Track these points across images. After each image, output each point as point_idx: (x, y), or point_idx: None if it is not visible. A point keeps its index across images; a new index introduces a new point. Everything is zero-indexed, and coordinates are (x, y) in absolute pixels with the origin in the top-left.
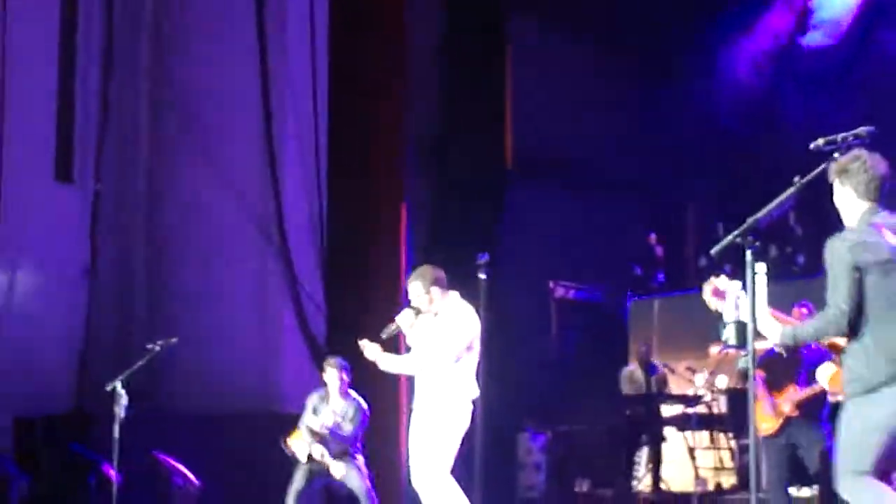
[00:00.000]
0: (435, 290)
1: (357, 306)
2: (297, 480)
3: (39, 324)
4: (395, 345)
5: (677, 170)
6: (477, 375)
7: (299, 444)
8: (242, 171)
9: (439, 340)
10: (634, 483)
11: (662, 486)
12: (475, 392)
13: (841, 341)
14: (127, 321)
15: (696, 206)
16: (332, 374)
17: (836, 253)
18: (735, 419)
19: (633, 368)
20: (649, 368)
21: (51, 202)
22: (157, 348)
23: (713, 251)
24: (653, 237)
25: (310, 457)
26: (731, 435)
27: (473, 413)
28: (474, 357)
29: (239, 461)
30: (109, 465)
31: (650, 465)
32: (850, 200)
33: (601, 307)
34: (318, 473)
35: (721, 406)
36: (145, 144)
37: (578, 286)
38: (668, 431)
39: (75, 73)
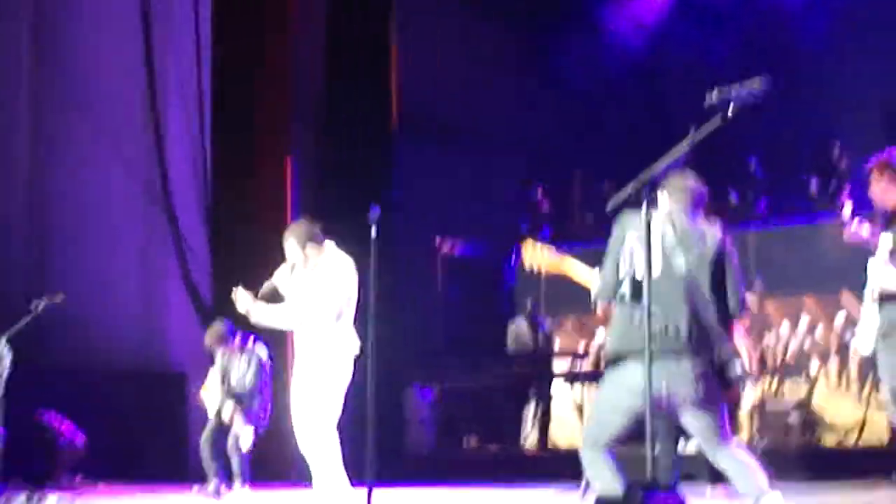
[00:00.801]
0: (310, 245)
1: (243, 262)
2: (209, 426)
3: None
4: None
5: (564, 125)
6: (364, 332)
7: (209, 397)
8: (125, 126)
9: (318, 295)
10: (522, 439)
11: (549, 442)
12: (356, 344)
13: None
14: (9, 279)
15: (582, 161)
16: (218, 347)
17: None
18: None
19: (519, 324)
20: (536, 324)
21: None
22: (42, 305)
23: (610, 204)
24: (538, 192)
25: (218, 411)
26: None
27: (363, 369)
28: (352, 309)
29: (124, 419)
30: None
31: (537, 422)
32: None
33: (487, 263)
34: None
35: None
36: (26, 100)
37: (464, 242)
38: (556, 387)
39: None
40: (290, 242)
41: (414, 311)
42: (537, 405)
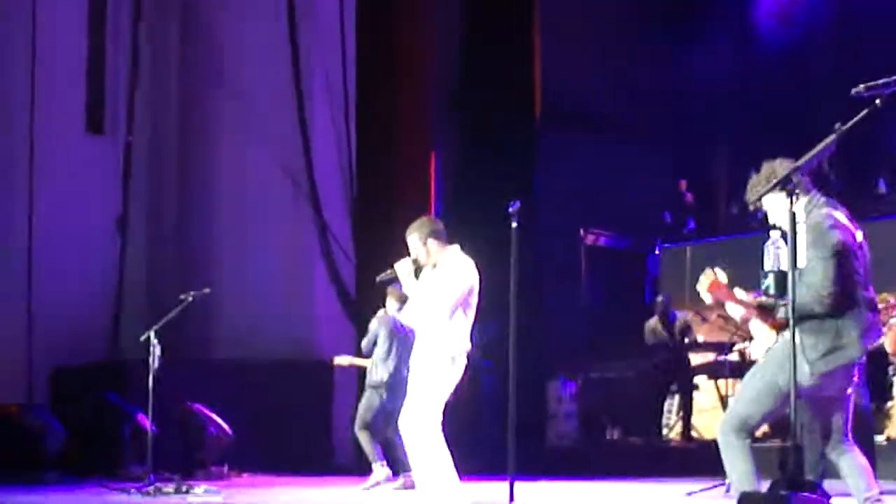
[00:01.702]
0: (432, 242)
1: (386, 256)
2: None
3: (73, 275)
4: None
5: (707, 116)
6: (506, 323)
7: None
8: (272, 121)
9: (435, 293)
10: (665, 431)
11: (694, 434)
12: (466, 346)
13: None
14: (159, 271)
15: (726, 153)
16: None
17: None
18: None
19: (653, 322)
20: (669, 318)
21: (83, 155)
22: (190, 299)
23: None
24: (683, 184)
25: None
26: None
27: (505, 362)
28: (471, 312)
29: (272, 409)
30: (144, 414)
31: (681, 414)
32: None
33: (631, 255)
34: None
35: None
36: (176, 96)
37: (608, 234)
38: (700, 380)
39: (106, 26)
40: (413, 237)
41: (557, 303)
42: (681, 397)
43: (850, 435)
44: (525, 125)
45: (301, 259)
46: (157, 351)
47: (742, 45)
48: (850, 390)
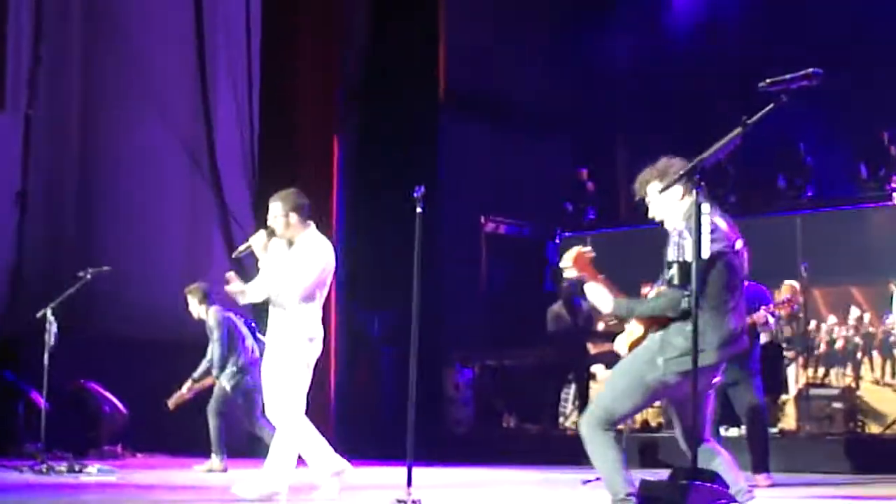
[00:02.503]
0: (293, 215)
1: None
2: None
3: None
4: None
5: (610, 104)
6: (408, 309)
7: None
8: (175, 99)
9: (291, 273)
10: (561, 420)
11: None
12: (320, 331)
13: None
14: (57, 246)
15: (627, 142)
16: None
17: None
18: None
19: (558, 307)
20: (574, 304)
21: None
22: (88, 276)
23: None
24: (584, 173)
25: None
26: None
27: (405, 347)
28: (325, 292)
29: (166, 388)
30: (38, 392)
31: (577, 402)
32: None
33: (531, 243)
34: None
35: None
36: (78, 70)
37: (509, 221)
38: (598, 369)
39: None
40: (276, 205)
41: (456, 290)
42: (578, 385)
43: (709, 432)
44: (428, 111)
45: (200, 238)
46: (54, 328)
47: (647, 33)
48: (709, 391)
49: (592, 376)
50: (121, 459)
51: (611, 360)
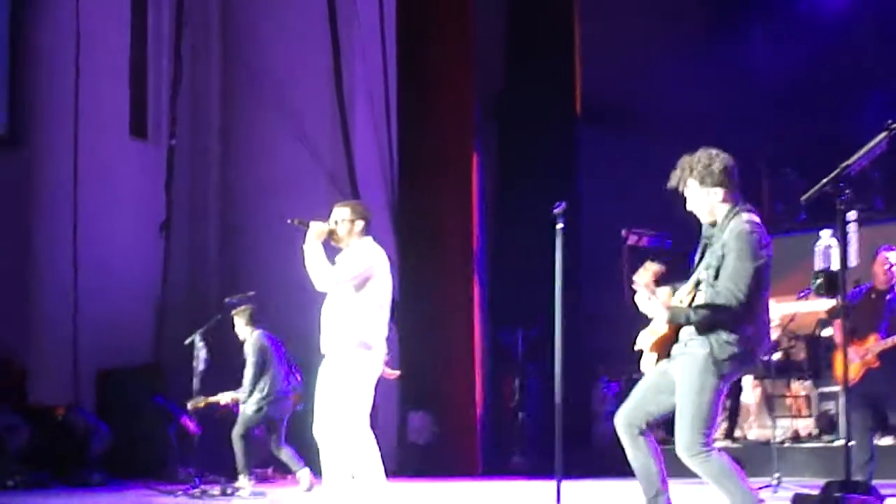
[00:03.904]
0: (359, 223)
1: (428, 256)
2: None
3: (118, 278)
4: None
5: (750, 115)
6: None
7: None
8: (313, 123)
9: (343, 264)
10: None
11: (738, 433)
12: (378, 341)
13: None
14: (201, 274)
15: (768, 152)
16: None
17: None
18: (813, 366)
19: None
20: None
21: (126, 158)
22: (235, 302)
23: (803, 198)
24: None
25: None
26: (808, 382)
27: (550, 362)
28: (383, 300)
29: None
30: (188, 417)
31: (726, 414)
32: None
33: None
34: None
35: (799, 353)
36: (217, 98)
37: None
38: (745, 380)
39: (147, 30)
40: (345, 210)
41: (599, 304)
42: (727, 397)
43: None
44: (567, 125)
45: None
46: (203, 353)
47: (783, 42)
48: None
49: (741, 388)
50: (271, 481)
51: (757, 371)
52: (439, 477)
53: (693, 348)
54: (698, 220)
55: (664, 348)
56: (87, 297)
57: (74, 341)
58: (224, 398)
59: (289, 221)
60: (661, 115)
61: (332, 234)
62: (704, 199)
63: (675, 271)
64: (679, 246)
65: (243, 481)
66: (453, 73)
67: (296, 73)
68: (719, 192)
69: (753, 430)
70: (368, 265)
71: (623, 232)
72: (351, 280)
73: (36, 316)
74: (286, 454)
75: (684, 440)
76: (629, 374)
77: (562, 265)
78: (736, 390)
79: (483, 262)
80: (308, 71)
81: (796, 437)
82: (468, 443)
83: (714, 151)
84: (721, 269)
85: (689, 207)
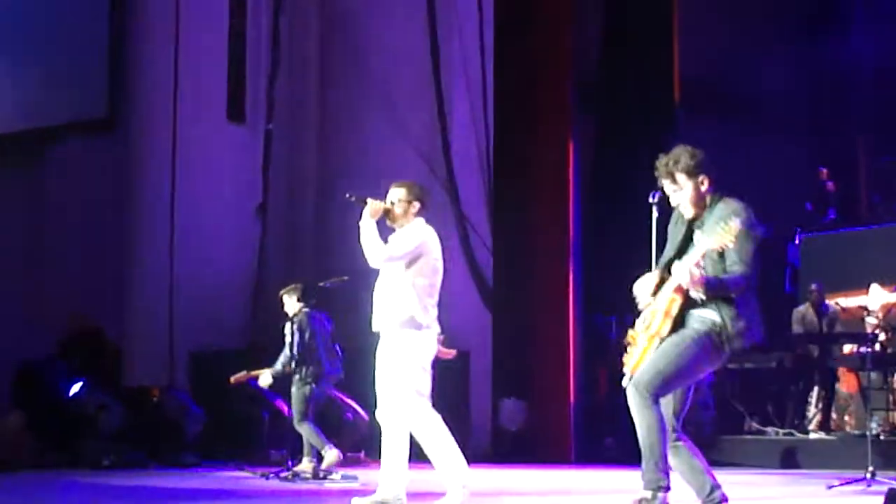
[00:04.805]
0: (416, 205)
1: (523, 244)
2: None
3: (215, 260)
4: None
5: (849, 103)
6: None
7: None
8: (410, 108)
9: (394, 242)
10: (806, 423)
11: (833, 425)
12: (431, 320)
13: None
14: (298, 258)
15: (868, 141)
16: None
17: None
18: None
19: (804, 309)
20: (821, 309)
21: (224, 142)
22: (328, 286)
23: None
24: (824, 172)
25: None
26: None
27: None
28: (435, 279)
29: None
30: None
31: (820, 406)
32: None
33: (770, 243)
34: None
35: None
36: (315, 84)
37: None
38: (841, 371)
39: (246, 15)
40: (401, 191)
41: None
42: (822, 388)
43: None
44: (664, 113)
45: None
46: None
47: (886, 30)
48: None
49: (837, 379)
50: (363, 465)
51: (853, 361)
52: (532, 464)
53: (696, 323)
54: (795, 210)
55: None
56: (184, 280)
57: (170, 324)
58: (265, 375)
59: (346, 196)
60: (760, 101)
61: (387, 213)
62: (694, 190)
63: (771, 259)
64: (777, 236)
65: (328, 457)
66: (550, 62)
67: (394, 58)
68: (706, 181)
69: (847, 421)
70: (420, 243)
71: None
72: (403, 257)
73: (133, 298)
74: (308, 430)
75: (644, 380)
76: (725, 363)
77: (656, 253)
78: (831, 381)
79: (578, 249)
80: (406, 56)
81: (892, 430)
82: (561, 430)
83: (689, 147)
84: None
85: (674, 202)
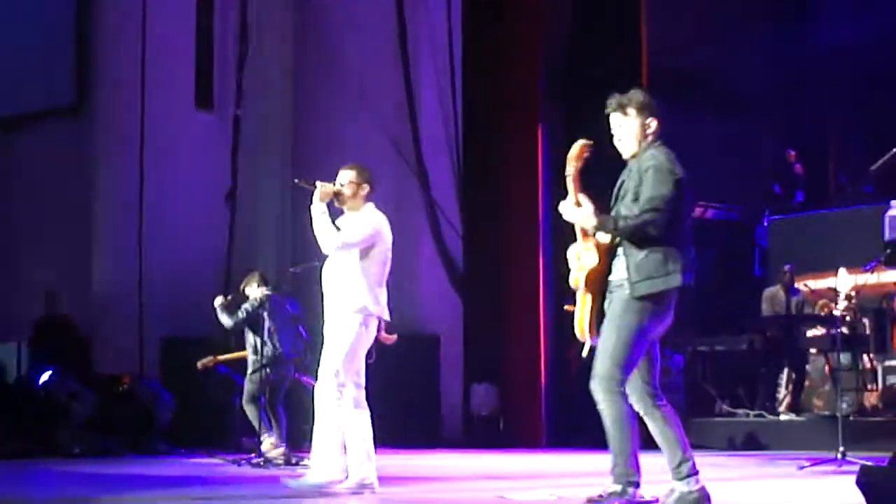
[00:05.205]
0: (365, 187)
1: (493, 229)
2: None
3: (184, 249)
4: None
5: (817, 85)
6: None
7: None
8: (379, 95)
9: (346, 229)
10: (776, 405)
11: (803, 408)
12: (375, 306)
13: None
14: (265, 244)
15: (836, 123)
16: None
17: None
18: (878, 340)
19: (775, 290)
20: (791, 291)
21: (192, 129)
22: (299, 271)
23: (872, 168)
24: (792, 154)
25: None
26: (873, 356)
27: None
28: (383, 267)
29: (379, 384)
30: (304, 375)
31: (790, 387)
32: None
33: (739, 226)
34: None
35: (866, 327)
36: (283, 70)
37: (716, 205)
38: (811, 352)
39: (214, 2)
40: (352, 173)
41: None
42: (792, 370)
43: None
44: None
45: (408, 233)
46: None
47: (857, 13)
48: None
49: (808, 360)
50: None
51: (822, 344)
52: (503, 449)
53: (616, 290)
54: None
55: (598, 285)
56: (153, 267)
57: (140, 311)
58: (226, 358)
59: (295, 181)
60: (729, 86)
61: (337, 195)
62: (638, 129)
63: (739, 242)
64: (745, 218)
65: (266, 444)
66: (519, 47)
67: (363, 44)
68: (653, 124)
69: (817, 403)
70: (375, 231)
71: None
72: (358, 244)
73: (102, 285)
74: (252, 411)
75: (601, 372)
76: (694, 345)
77: None
78: (801, 362)
79: (548, 234)
80: (374, 40)
81: (861, 411)
82: (532, 415)
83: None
84: (642, 187)
85: (616, 138)
